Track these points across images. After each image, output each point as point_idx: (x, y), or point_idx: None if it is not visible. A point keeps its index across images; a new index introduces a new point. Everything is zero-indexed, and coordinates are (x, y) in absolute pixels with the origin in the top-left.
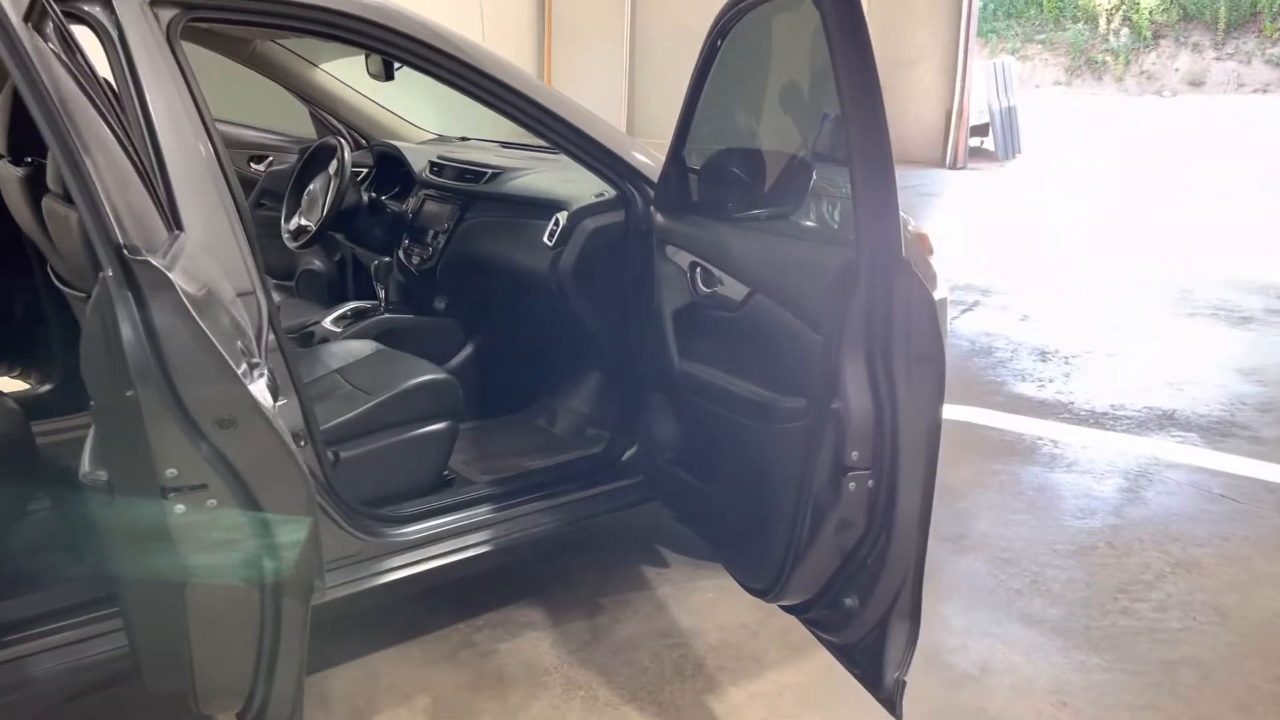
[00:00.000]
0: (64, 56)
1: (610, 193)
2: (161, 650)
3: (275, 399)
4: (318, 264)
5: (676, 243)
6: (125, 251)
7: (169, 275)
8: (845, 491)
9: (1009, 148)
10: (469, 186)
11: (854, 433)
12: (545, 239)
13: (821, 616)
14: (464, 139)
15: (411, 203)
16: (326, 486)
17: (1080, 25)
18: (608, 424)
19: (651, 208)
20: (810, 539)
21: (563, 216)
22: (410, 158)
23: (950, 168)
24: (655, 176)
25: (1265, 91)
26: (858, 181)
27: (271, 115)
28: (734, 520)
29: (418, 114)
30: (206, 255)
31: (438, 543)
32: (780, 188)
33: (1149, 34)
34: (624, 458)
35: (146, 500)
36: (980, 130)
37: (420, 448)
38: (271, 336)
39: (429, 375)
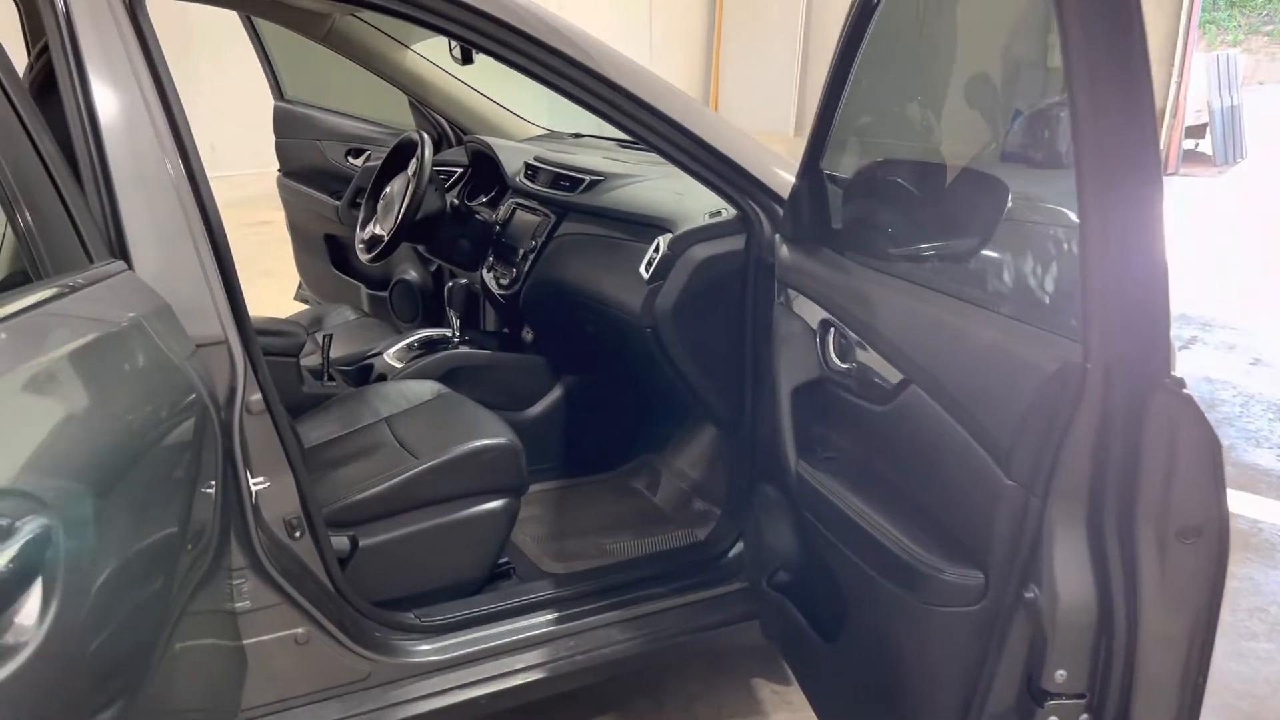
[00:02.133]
0: None
1: (730, 212)
2: None
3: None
4: (413, 274)
5: (802, 288)
6: None
7: None
8: None
9: (1230, 152)
10: (563, 196)
11: (1061, 640)
12: (642, 269)
13: None
14: (577, 136)
15: (501, 211)
16: (329, 592)
17: None
18: (720, 500)
19: (777, 236)
20: None
21: (664, 241)
22: (505, 157)
23: None
24: None
25: None
26: (1090, 228)
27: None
28: (860, 714)
29: (531, 105)
30: (149, 294)
31: (474, 664)
32: (962, 219)
33: None
34: (730, 553)
35: None
36: (1196, 131)
37: (466, 533)
38: (256, 396)
39: (486, 439)
